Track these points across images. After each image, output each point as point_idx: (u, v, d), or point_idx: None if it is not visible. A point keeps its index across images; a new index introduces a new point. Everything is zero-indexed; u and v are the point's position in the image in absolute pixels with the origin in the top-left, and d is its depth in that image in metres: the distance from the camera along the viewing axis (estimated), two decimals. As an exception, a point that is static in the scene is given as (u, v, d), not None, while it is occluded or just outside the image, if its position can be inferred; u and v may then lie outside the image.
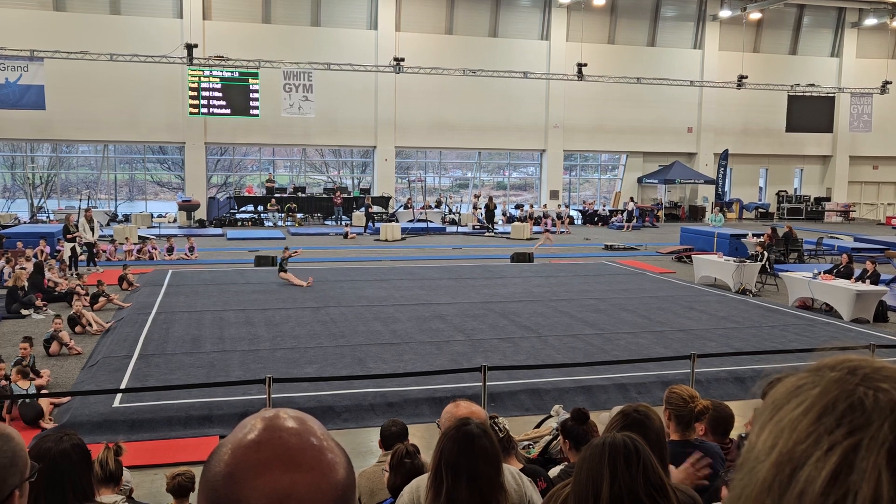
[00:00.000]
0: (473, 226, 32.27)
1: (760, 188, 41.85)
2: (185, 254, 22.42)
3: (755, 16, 37.62)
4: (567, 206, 35.82)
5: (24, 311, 14.66)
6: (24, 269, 16.58)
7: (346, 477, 1.00)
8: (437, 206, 34.03)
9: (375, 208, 31.38)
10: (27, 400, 9.06)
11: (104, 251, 21.97)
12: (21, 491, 1.55)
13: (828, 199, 41.00)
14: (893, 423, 0.63)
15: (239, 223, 31.89)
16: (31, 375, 9.68)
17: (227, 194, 34.97)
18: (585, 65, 33.33)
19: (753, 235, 22.75)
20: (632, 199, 36.27)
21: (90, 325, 13.46)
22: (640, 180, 38.82)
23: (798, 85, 37.69)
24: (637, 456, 2.33)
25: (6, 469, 1.49)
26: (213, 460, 1.00)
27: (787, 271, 18.30)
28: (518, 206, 35.01)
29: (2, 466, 1.48)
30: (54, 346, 11.91)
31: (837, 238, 28.07)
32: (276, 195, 32.56)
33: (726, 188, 39.45)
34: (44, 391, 9.62)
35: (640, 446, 2.37)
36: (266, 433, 0.99)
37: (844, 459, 0.63)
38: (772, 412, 0.70)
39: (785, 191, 40.88)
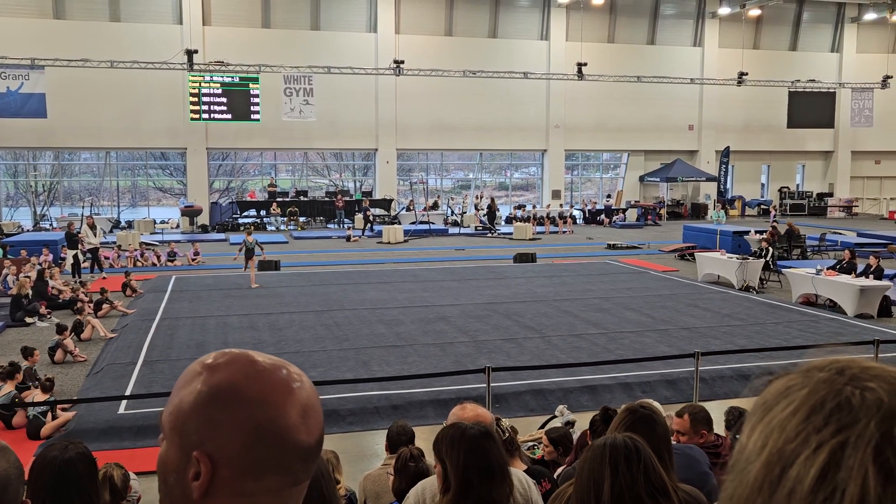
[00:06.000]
0: (476, 227, 32.24)
1: (762, 185, 41.79)
2: (190, 258, 22.45)
3: (754, 12, 37.54)
4: (571, 206, 35.74)
5: (28, 319, 14.70)
6: (28, 276, 16.61)
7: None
8: (435, 208, 33.86)
9: (377, 211, 31.34)
10: (37, 415, 9.02)
11: (107, 258, 22.00)
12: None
13: (830, 195, 40.91)
14: (880, 420, 0.64)
15: (241, 228, 31.87)
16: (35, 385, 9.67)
17: (229, 199, 34.99)
18: (585, 64, 33.31)
19: (756, 232, 22.73)
20: (608, 196, 36.09)
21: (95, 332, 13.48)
22: (641, 179, 38.79)
23: (798, 81, 37.63)
24: (637, 456, 2.34)
25: (19, 480, 1.47)
26: (235, 395, 1.04)
27: (790, 268, 18.28)
28: (519, 207, 34.93)
29: (15, 478, 1.47)
30: (59, 355, 11.93)
31: (840, 234, 28.01)
32: (279, 199, 32.58)
33: (728, 185, 39.40)
34: (56, 400, 9.57)
35: (641, 446, 2.38)
36: (268, 362, 1.08)
37: (832, 457, 0.64)
38: (762, 413, 0.71)
39: (787, 187, 40.82)
